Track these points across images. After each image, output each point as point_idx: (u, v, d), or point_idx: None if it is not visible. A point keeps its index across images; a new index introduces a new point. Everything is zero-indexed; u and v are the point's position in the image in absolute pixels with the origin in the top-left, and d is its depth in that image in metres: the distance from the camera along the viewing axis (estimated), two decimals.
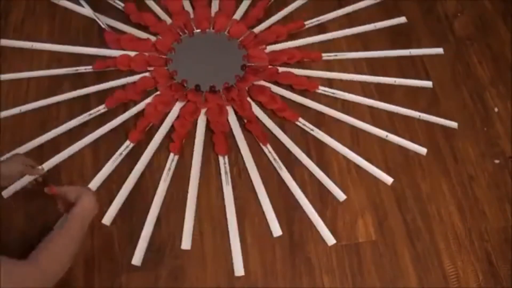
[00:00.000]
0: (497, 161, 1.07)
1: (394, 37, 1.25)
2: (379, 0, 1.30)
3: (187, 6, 1.25)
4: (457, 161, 1.07)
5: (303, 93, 1.13)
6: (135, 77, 1.13)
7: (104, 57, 1.15)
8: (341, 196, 1.00)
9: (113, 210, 0.95)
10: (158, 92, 1.11)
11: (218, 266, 0.91)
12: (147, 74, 1.14)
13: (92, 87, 1.10)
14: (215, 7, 1.26)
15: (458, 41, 1.26)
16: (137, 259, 0.90)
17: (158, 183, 0.99)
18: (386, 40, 1.24)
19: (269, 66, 1.17)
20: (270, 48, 1.20)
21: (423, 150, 1.06)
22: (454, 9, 1.32)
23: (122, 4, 1.24)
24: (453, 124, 1.10)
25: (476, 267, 0.94)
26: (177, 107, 1.10)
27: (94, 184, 0.98)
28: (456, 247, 0.96)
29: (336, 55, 1.20)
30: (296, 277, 0.91)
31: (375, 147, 1.07)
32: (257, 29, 1.23)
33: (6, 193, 0.96)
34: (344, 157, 1.05)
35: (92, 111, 1.06)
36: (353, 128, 1.09)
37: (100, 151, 1.02)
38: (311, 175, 1.02)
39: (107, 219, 0.94)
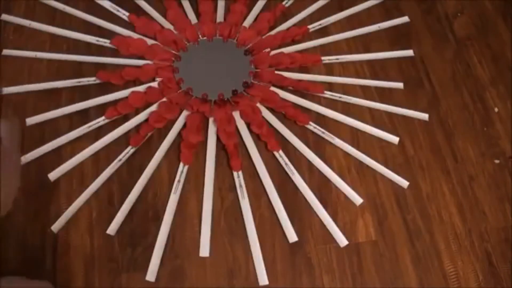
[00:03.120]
0: (497, 161, 1.07)
1: (394, 37, 1.24)
2: (380, 0, 1.30)
3: (192, 16, 1.24)
4: (457, 161, 1.07)
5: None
6: (139, 87, 1.11)
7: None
8: (357, 200, 1.00)
9: (118, 220, 0.94)
10: (164, 99, 1.09)
11: (218, 266, 0.91)
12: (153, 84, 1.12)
13: (94, 99, 1.07)
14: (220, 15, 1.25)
15: (458, 41, 1.26)
16: (152, 274, 0.90)
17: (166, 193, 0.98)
18: (386, 41, 1.24)
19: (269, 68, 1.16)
20: (273, 52, 1.19)
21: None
22: (454, 9, 1.32)
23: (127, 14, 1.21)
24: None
25: (476, 267, 0.94)
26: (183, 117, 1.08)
27: (93, 187, 0.97)
28: (456, 247, 0.96)
29: (337, 58, 1.19)
30: (296, 277, 0.91)
31: (375, 147, 1.07)
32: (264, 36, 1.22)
33: None
34: (344, 157, 1.05)
35: (91, 123, 1.04)
36: (353, 128, 1.09)
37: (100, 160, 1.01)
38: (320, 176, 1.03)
39: (111, 230, 0.93)
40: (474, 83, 1.19)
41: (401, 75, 1.18)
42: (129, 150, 1.01)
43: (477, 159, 1.07)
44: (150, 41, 1.18)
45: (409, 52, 1.22)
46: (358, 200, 1.00)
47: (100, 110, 1.06)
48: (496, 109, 1.15)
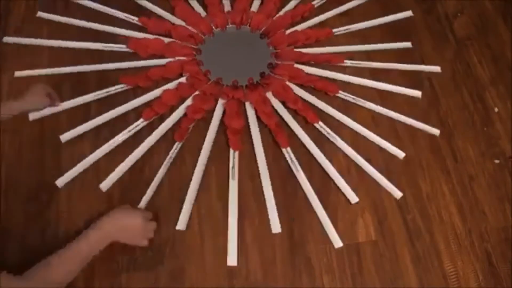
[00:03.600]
0: (497, 161, 1.07)
1: (394, 37, 1.24)
2: None
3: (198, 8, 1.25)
4: (457, 161, 1.07)
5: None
6: (170, 85, 1.11)
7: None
8: (353, 198, 1.00)
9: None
10: (196, 92, 1.10)
11: (218, 266, 0.91)
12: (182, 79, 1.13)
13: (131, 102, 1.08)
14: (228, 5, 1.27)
15: (458, 41, 1.26)
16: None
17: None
18: (386, 40, 1.24)
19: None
20: (287, 31, 1.22)
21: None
22: (454, 9, 1.32)
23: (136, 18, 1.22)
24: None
25: (476, 267, 0.94)
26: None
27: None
28: (456, 247, 0.96)
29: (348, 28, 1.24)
30: (296, 277, 0.91)
31: (376, 147, 1.07)
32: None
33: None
34: (344, 157, 1.05)
35: (130, 127, 1.04)
36: (353, 128, 1.09)
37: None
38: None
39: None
40: (474, 83, 1.19)
41: (402, 75, 1.18)
42: (176, 147, 1.02)
43: (477, 159, 1.07)
44: (166, 40, 1.18)
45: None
46: (358, 199, 1.00)
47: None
48: (496, 109, 1.15)
